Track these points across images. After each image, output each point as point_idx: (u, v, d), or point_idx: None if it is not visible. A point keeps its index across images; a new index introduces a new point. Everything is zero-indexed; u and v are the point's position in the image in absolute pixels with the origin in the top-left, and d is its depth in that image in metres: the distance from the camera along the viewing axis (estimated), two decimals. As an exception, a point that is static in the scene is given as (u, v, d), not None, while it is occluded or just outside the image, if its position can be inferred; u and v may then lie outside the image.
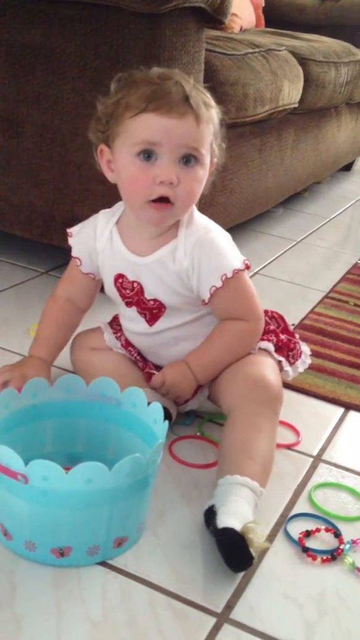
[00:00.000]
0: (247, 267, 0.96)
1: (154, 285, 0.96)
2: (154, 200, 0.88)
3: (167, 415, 0.96)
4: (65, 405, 0.91)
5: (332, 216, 2.39)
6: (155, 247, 0.95)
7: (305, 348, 1.10)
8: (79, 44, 1.27)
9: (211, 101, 0.91)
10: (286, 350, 1.04)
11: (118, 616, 0.72)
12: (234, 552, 0.76)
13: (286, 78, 1.79)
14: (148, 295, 0.97)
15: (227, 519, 0.77)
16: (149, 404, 0.87)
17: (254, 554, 0.75)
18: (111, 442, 0.92)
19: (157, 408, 0.85)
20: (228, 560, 0.76)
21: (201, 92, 0.90)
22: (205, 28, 1.34)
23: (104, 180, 0.97)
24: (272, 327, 1.06)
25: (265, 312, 1.09)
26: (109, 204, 1.03)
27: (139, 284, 0.97)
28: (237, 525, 0.76)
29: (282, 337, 1.05)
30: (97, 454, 0.89)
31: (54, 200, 1.42)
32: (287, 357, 1.04)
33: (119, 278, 0.99)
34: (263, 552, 0.83)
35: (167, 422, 0.82)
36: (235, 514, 0.78)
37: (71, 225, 1.04)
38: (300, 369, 1.08)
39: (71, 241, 1.03)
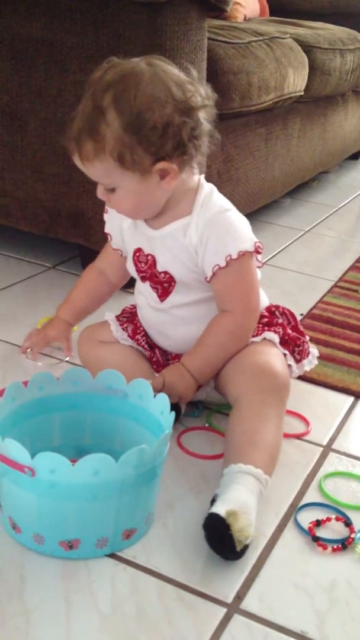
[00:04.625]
0: (258, 251, 0.96)
1: (165, 258, 0.99)
2: None
3: (177, 408, 0.96)
4: (72, 398, 0.91)
5: (341, 205, 2.37)
6: (168, 221, 0.97)
7: (313, 350, 1.09)
8: (80, 35, 1.26)
9: (110, 121, 0.85)
10: (292, 345, 1.03)
11: (127, 608, 0.72)
12: (215, 537, 0.76)
13: (291, 66, 1.77)
14: (160, 267, 0.99)
15: (219, 506, 0.77)
16: (155, 395, 0.87)
17: (237, 540, 0.75)
18: (118, 435, 0.91)
19: (163, 399, 0.85)
20: (210, 544, 0.77)
21: (98, 116, 0.85)
22: (208, 17, 1.33)
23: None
24: (280, 321, 1.05)
25: (277, 307, 1.09)
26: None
27: (152, 256, 1.00)
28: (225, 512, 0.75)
29: (290, 332, 1.04)
30: (105, 446, 0.89)
31: (59, 195, 1.41)
32: (292, 352, 1.03)
33: (137, 252, 1.02)
34: (272, 542, 0.82)
35: (173, 413, 0.81)
36: (231, 502, 0.77)
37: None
38: (307, 368, 1.07)
39: (105, 217, 1.08)
